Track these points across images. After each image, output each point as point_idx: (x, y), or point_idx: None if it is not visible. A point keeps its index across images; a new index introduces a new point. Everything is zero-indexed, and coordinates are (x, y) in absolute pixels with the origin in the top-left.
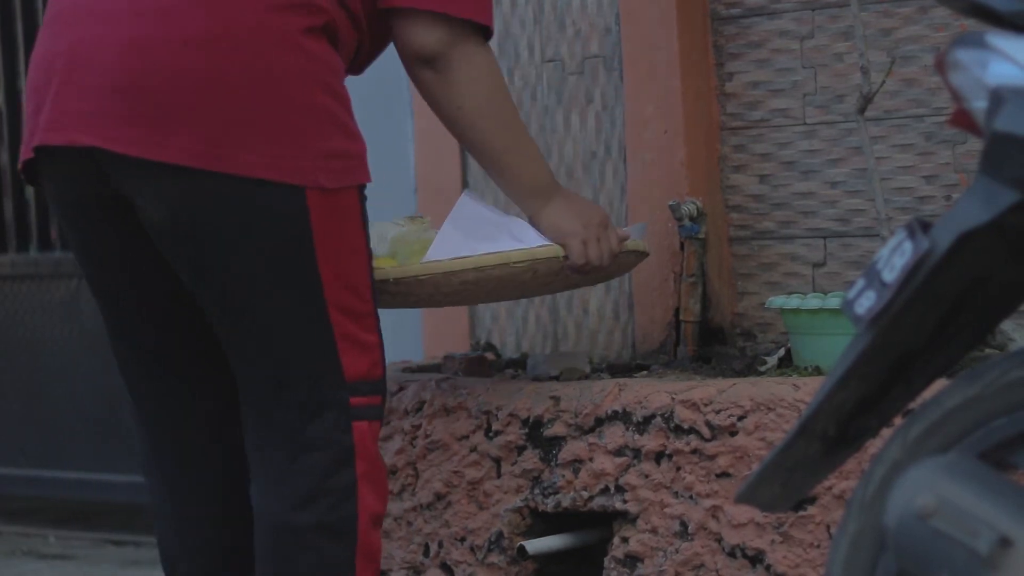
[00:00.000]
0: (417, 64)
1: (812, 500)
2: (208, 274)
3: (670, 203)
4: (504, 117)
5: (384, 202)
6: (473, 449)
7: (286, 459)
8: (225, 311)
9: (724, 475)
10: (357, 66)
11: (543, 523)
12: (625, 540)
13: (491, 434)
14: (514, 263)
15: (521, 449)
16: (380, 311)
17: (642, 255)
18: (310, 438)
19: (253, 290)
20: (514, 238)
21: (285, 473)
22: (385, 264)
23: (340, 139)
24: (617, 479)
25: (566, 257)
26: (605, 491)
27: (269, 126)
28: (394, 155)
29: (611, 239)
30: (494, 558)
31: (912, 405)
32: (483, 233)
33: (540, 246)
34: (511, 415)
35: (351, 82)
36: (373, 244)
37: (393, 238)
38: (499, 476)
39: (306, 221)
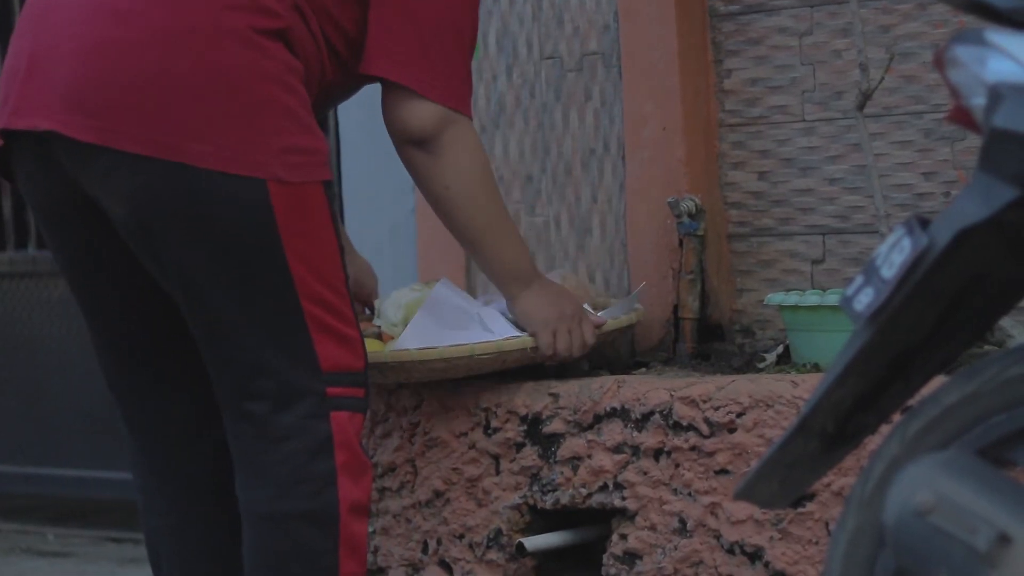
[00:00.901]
0: (406, 144)
1: (811, 497)
2: (174, 268)
3: (669, 200)
4: (488, 199)
5: (383, 200)
6: (472, 446)
7: (263, 449)
8: (194, 305)
9: (723, 472)
10: (328, 98)
11: (542, 520)
12: (624, 537)
13: (490, 431)
14: (479, 355)
15: (520, 446)
16: None
17: (629, 328)
18: (284, 427)
19: (220, 283)
20: (484, 328)
21: (263, 463)
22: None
23: (299, 135)
24: (616, 476)
25: (535, 347)
26: (604, 488)
27: (224, 119)
28: (392, 152)
29: (584, 331)
30: (493, 555)
31: (911, 402)
32: (455, 322)
33: (507, 338)
34: (510, 412)
35: None
36: (389, 311)
37: (407, 303)
38: (498, 473)
39: (269, 213)
